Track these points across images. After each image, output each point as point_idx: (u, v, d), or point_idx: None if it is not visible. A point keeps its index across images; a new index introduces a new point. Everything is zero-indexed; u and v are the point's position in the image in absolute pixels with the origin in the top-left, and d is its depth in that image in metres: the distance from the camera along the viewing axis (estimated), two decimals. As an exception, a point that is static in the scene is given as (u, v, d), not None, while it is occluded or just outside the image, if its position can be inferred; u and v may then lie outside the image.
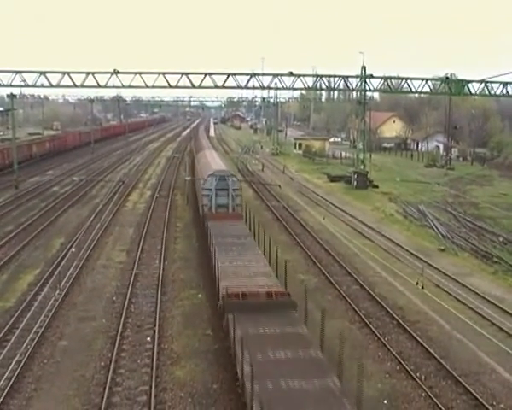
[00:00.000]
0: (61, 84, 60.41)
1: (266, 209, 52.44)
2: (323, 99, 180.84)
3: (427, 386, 20.13)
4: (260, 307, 20.05)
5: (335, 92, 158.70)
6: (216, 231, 30.71)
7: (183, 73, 59.64)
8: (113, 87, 61.82)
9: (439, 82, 71.01)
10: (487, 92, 65.23)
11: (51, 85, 60.75)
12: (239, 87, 62.60)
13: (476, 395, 19.47)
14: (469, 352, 23.06)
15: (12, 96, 68.68)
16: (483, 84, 63.84)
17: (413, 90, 68.63)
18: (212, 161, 47.42)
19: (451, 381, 20.59)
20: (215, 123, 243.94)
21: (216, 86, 61.04)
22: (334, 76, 66.32)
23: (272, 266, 26.31)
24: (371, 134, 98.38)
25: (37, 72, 59.57)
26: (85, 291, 29.57)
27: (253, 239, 31.27)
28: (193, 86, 60.76)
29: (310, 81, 65.22)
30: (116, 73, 58.97)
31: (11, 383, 19.41)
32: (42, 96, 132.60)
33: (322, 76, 66.71)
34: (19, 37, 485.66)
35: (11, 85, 60.91)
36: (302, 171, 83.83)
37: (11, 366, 20.67)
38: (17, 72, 59.19)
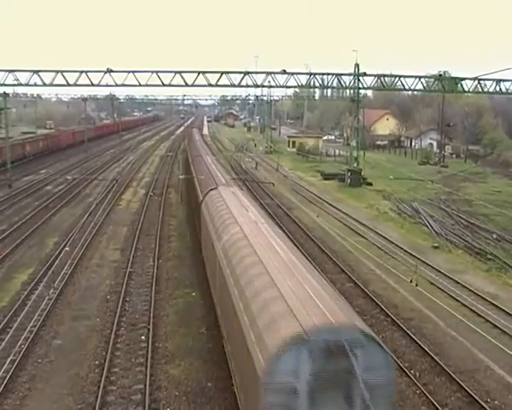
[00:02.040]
0: (55, 82, 60.27)
1: (260, 208, 52.33)
2: (317, 97, 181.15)
3: (422, 383, 20.16)
4: None
5: (329, 90, 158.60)
6: None
7: (176, 72, 59.56)
8: (107, 86, 61.96)
9: (432, 79, 71.08)
10: (480, 89, 65.40)
11: (44, 84, 60.60)
12: (232, 85, 62.51)
13: (470, 392, 19.51)
14: (464, 349, 23.11)
15: (5, 94, 68.46)
16: (476, 82, 63.99)
17: (406, 87, 68.75)
18: (269, 260, 16.64)
19: (446, 378, 20.62)
20: (209, 121, 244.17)
21: (209, 85, 60.96)
22: (328, 74, 66.41)
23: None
24: (365, 132, 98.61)
25: (31, 70, 59.40)
26: (79, 290, 29.49)
27: None
28: (186, 85, 60.66)
29: (303, 79, 65.26)
30: (109, 71, 58.85)
31: (5, 382, 19.34)
32: (35, 95, 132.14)
33: (315, 74, 66.67)
34: (12, 36, 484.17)
35: (4, 84, 60.71)
36: (296, 169, 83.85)
37: (5, 365, 20.60)
38: (10, 71, 58.99)
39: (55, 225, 44.51)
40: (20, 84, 61.78)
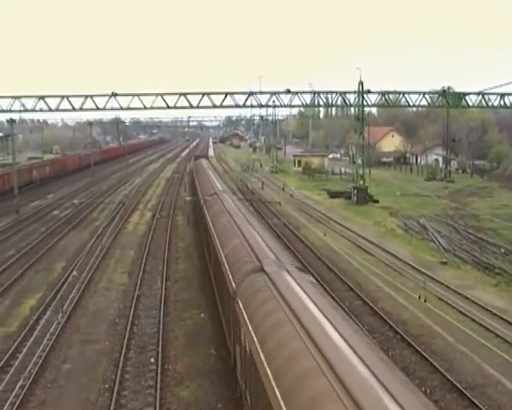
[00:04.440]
0: (60, 108, 60.90)
1: (267, 228, 52.37)
2: (321, 115, 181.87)
3: (433, 400, 20.01)
4: None
5: (333, 108, 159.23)
6: None
7: (181, 94, 59.98)
8: (112, 109, 62.57)
9: (436, 95, 71.25)
10: (485, 104, 65.54)
11: (50, 110, 61.16)
12: (237, 106, 63.01)
13: (482, 407, 19.39)
14: (474, 364, 22.98)
15: (11, 121, 68.99)
16: (480, 96, 64.18)
17: (411, 104, 68.94)
18: None
19: (457, 394, 20.49)
20: (214, 142, 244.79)
21: (214, 106, 61.41)
22: (332, 92, 66.70)
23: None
24: (370, 149, 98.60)
25: (36, 96, 60.03)
26: (88, 314, 29.50)
27: None
28: (191, 106, 61.12)
29: (307, 98, 65.59)
30: (114, 95, 59.33)
31: (15, 408, 19.31)
32: (41, 121, 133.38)
33: (319, 93, 67.01)
34: (17, 62, 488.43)
35: (10, 111, 61.42)
36: (302, 188, 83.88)
37: (15, 390, 20.58)
38: (16, 97, 59.62)
39: (62, 249, 44.61)
40: (27, 110, 62.44)
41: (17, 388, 20.79)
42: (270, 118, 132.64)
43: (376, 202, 67.19)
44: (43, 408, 19.79)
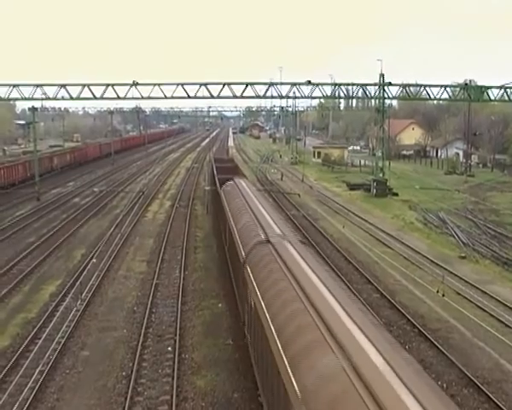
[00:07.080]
0: (81, 96, 61.10)
1: (286, 219, 52.34)
2: (342, 107, 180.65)
3: (449, 394, 19.97)
4: None
5: (354, 100, 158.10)
6: None
7: (201, 84, 59.95)
8: (133, 98, 62.40)
9: (457, 89, 70.68)
10: (507, 98, 64.81)
11: (71, 98, 61.36)
12: (257, 97, 62.84)
13: (499, 403, 19.33)
14: (491, 360, 22.89)
15: (33, 109, 69.66)
16: (502, 90, 63.45)
17: (432, 97, 68.38)
18: None
19: (473, 389, 20.44)
20: (234, 133, 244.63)
21: (234, 96, 61.26)
22: (353, 84, 66.37)
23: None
24: (390, 142, 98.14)
25: (58, 85, 60.25)
26: (106, 302, 29.73)
27: None
28: (211, 96, 61.00)
29: (328, 90, 65.28)
30: (135, 84, 59.42)
31: (34, 392, 19.56)
32: (62, 109, 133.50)
33: (340, 84, 66.65)
34: (40, 50, 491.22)
35: (32, 99, 61.68)
36: (321, 179, 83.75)
37: (34, 375, 20.83)
38: (38, 85, 59.88)
39: (82, 236, 44.95)
40: (48, 98, 62.71)
41: (36, 373, 21.04)
42: (290, 109, 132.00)
43: (396, 194, 66.95)
44: (61, 394, 20.01)
